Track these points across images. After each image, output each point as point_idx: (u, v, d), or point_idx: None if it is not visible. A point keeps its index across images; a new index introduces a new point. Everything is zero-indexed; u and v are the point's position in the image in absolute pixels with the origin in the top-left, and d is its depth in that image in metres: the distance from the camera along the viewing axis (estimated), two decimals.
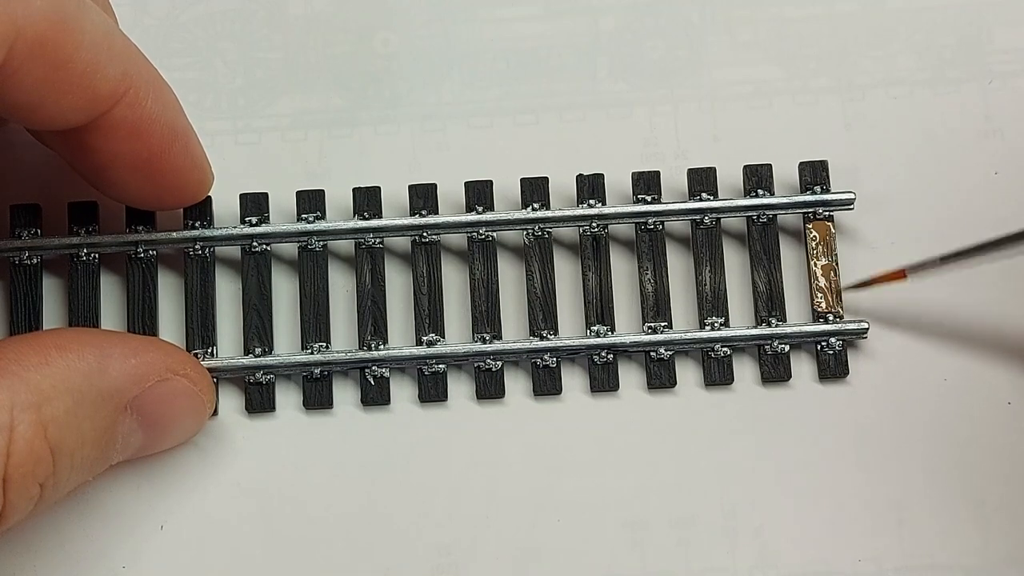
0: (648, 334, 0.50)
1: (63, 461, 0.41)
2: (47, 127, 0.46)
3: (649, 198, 0.51)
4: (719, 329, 0.50)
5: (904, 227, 0.52)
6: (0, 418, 0.39)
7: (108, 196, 0.50)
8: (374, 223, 0.51)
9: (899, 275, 0.48)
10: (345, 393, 0.50)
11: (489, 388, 0.50)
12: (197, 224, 0.51)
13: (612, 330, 0.50)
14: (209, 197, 0.51)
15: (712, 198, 0.51)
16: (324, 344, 0.50)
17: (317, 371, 0.49)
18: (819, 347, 0.50)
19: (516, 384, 0.50)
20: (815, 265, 0.51)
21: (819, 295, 0.50)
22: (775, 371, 0.50)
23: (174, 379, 0.45)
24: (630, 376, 0.50)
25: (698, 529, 0.48)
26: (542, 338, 0.50)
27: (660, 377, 0.50)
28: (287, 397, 0.50)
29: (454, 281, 0.51)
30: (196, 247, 0.51)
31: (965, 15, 0.54)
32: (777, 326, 0.50)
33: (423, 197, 0.51)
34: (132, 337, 0.46)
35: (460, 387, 0.50)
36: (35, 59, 0.41)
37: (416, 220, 0.51)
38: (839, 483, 0.49)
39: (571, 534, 0.48)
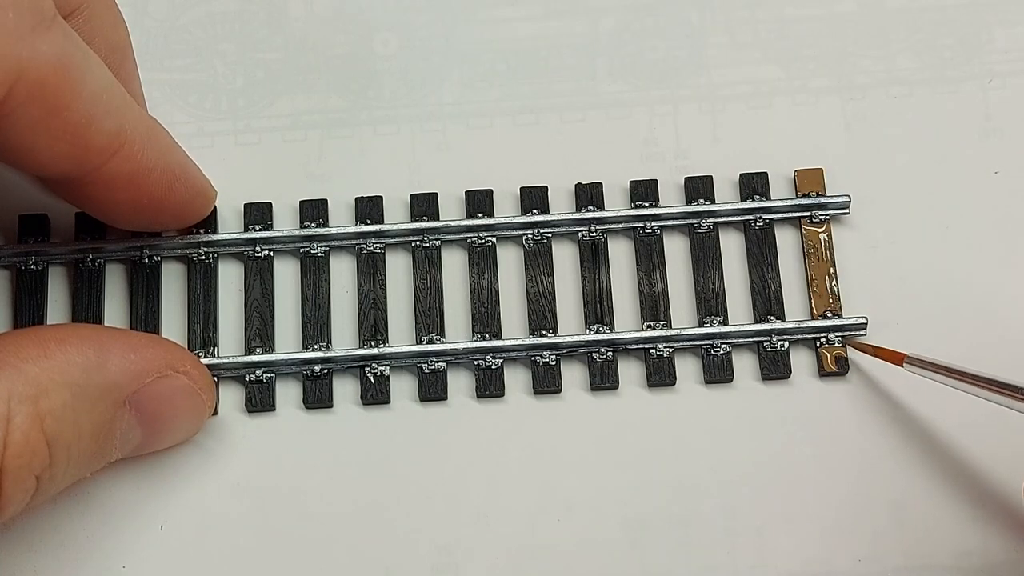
0: (648, 331, 0.50)
1: (60, 454, 0.41)
2: (38, 173, 0.46)
3: (647, 203, 0.51)
4: (719, 325, 0.50)
5: (904, 227, 0.52)
6: None
7: (114, 227, 0.51)
8: (375, 227, 0.51)
9: (898, 358, 0.48)
10: (345, 391, 0.50)
11: (489, 386, 0.49)
12: (201, 230, 0.51)
13: (612, 329, 0.50)
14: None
15: (709, 203, 0.51)
16: (325, 343, 0.50)
17: (317, 369, 0.49)
18: (819, 343, 0.50)
19: (516, 382, 0.50)
20: (813, 268, 0.51)
21: (818, 298, 0.50)
22: (775, 368, 0.50)
23: (174, 376, 0.45)
24: (630, 373, 0.50)
25: (698, 529, 0.48)
26: (542, 335, 0.50)
27: (660, 374, 0.49)
28: (287, 395, 0.50)
29: (454, 285, 0.51)
30: (200, 253, 0.51)
31: (965, 15, 0.54)
32: (776, 322, 0.50)
33: (424, 204, 0.52)
34: (133, 334, 0.46)
35: (460, 385, 0.50)
36: (33, 102, 0.41)
37: (417, 225, 0.51)
38: (839, 482, 0.49)
39: (571, 533, 0.48)
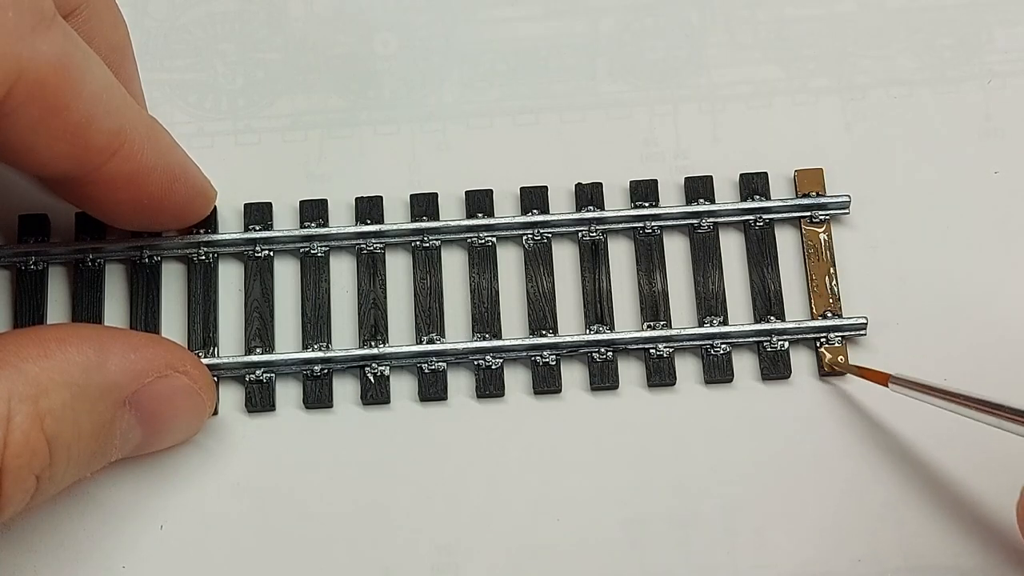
0: (648, 330, 0.50)
1: (60, 454, 0.41)
2: (38, 172, 0.46)
3: (647, 203, 0.51)
4: (719, 325, 0.50)
5: (904, 227, 0.52)
6: None
7: (114, 227, 0.51)
8: (375, 227, 0.51)
9: (883, 379, 0.48)
10: (345, 391, 0.50)
11: (489, 386, 0.49)
12: (201, 230, 0.51)
13: (612, 329, 0.50)
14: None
15: (709, 203, 0.51)
16: (325, 343, 0.50)
17: (317, 369, 0.49)
18: (819, 344, 0.50)
19: (516, 382, 0.50)
20: (813, 268, 0.51)
21: (818, 298, 0.50)
22: (775, 368, 0.50)
23: (174, 376, 0.45)
24: (630, 373, 0.50)
25: (698, 528, 0.48)
26: (542, 335, 0.50)
27: (660, 374, 0.49)
28: (287, 395, 0.50)
29: (454, 285, 0.51)
30: (200, 253, 0.51)
31: (965, 15, 0.54)
32: (776, 322, 0.50)
33: (424, 204, 0.52)
34: (133, 333, 0.46)
35: (460, 385, 0.50)
36: (33, 101, 0.41)
37: (417, 225, 0.51)
38: (839, 482, 0.48)
39: (571, 533, 0.48)
